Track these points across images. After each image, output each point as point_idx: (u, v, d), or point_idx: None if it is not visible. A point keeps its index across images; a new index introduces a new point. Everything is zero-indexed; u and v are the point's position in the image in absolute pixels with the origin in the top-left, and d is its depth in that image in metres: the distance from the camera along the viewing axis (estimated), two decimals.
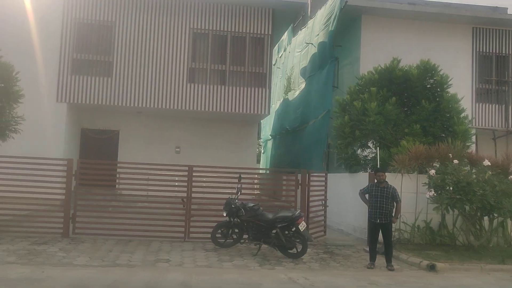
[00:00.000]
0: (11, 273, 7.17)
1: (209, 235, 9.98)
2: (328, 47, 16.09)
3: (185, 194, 10.73)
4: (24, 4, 15.23)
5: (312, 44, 17.99)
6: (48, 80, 15.32)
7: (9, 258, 8.14)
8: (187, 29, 16.33)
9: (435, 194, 9.84)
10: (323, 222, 11.97)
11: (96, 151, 17.28)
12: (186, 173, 10.74)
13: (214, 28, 16.50)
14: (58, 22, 15.58)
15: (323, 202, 12.00)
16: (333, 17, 15.84)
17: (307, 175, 11.18)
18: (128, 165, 11.42)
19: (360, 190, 9.44)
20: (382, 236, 8.97)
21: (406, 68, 12.60)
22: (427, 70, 12.47)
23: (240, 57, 16.70)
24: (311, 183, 11.34)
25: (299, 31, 21.04)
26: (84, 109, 16.92)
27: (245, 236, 9.82)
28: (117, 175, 12.05)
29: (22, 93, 11.44)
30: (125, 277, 7.25)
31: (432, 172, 10.22)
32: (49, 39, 15.43)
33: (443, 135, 12.10)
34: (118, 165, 12.67)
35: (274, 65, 21.97)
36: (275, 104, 22.94)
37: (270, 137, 23.94)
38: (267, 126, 24.62)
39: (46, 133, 14.86)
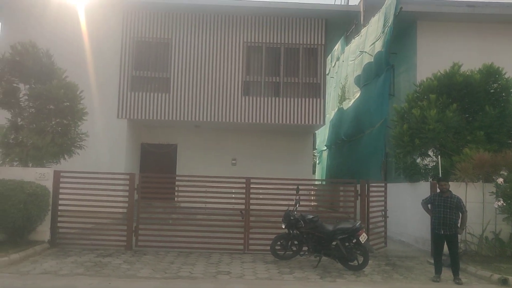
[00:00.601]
0: (80, 285, 7.46)
1: (268, 247, 9.97)
2: (384, 55, 15.80)
3: (242, 206, 10.80)
4: (85, 26, 15.99)
5: (366, 52, 17.73)
6: (109, 97, 15.96)
7: (77, 269, 8.48)
8: (241, 43, 16.57)
9: (504, 204, 9.36)
10: (383, 233, 11.67)
11: (155, 165, 17.78)
12: (243, 185, 10.83)
13: (268, 41, 16.66)
14: (117, 41, 16.24)
15: (383, 212, 11.71)
16: (388, 24, 15.57)
17: (366, 185, 10.97)
18: (187, 178, 11.63)
19: (423, 200, 9.15)
20: (447, 248, 8.63)
21: (467, 73, 12.12)
22: (491, 74, 11.94)
23: (293, 68, 16.75)
24: (371, 193, 11.11)
25: (352, 40, 20.79)
26: (143, 124, 17.49)
27: (305, 248, 9.73)
28: (176, 188, 12.30)
29: (86, 111, 12.01)
30: None
31: (500, 180, 9.75)
32: (109, 58, 16.11)
33: (510, 141, 11.52)
34: (178, 178, 12.94)
35: (327, 74, 21.82)
36: (330, 114, 22.73)
37: (325, 148, 23.70)
38: (322, 136, 24.41)
39: (108, 149, 15.44)
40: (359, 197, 10.99)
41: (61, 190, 10.71)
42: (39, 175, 10.53)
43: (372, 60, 16.88)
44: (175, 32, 16.48)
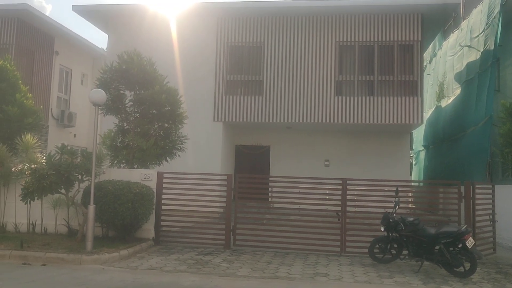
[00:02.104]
0: (184, 281, 7.78)
1: (366, 250, 9.74)
2: (490, 48, 14.77)
3: (338, 208, 10.65)
4: (181, 34, 16.73)
5: (469, 46, 16.71)
6: (205, 101, 16.55)
7: (180, 267, 8.86)
8: (333, 42, 16.39)
9: None
10: (491, 238, 10.90)
11: (249, 166, 18.14)
12: (339, 187, 10.68)
13: (361, 39, 16.32)
14: (212, 47, 16.80)
15: (491, 216, 10.93)
16: (493, 15, 14.54)
17: (472, 186, 10.32)
18: (283, 178, 11.69)
19: None
20: None
21: None
22: None
23: (388, 66, 16.23)
24: (476, 196, 10.44)
25: (451, 34, 19.69)
26: (238, 127, 17.90)
27: (405, 252, 9.36)
28: (270, 189, 12.38)
29: (186, 115, 12.53)
30: None
31: None
32: (205, 63, 16.72)
33: None
34: (273, 179, 13.07)
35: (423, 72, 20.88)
36: (427, 113, 21.69)
37: (422, 148, 22.68)
38: (419, 136, 23.40)
39: (205, 151, 16.01)
40: (463, 200, 10.37)
41: (164, 190, 11.28)
42: (144, 176, 11.17)
43: (476, 54, 15.88)
44: (267, 35, 16.70)
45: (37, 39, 18.23)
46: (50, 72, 19.01)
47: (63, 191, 10.45)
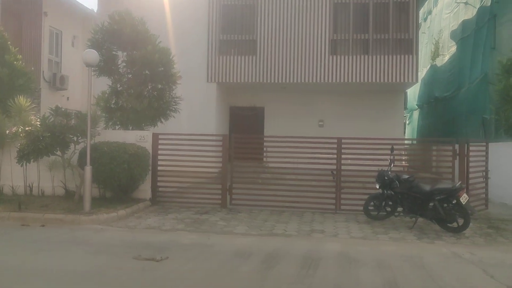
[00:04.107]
0: (183, 239, 7.89)
1: (361, 208, 9.86)
2: (486, 4, 14.57)
3: (333, 167, 10.71)
4: None
5: (465, 3, 16.48)
6: (199, 62, 16.36)
7: (178, 225, 8.97)
8: (327, 0, 16.09)
9: None
10: (483, 195, 11.06)
11: (243, 127, 18.12)
12: (334, 146, 10.71)
13: None
14: (204, 6, 16.48)
15: (484, 173, 11.06)
16: None
17: (466, 144, 10.39)
18: (278, 138, 11.69)
19: None
20: None
21: None
22: None
23: (383, 24, 16.05)
24: (470, 153, 10.52)
25: None
26: (232, 88, 17.77)
27: (399, 209, 9.50)
28: (264, 149, 12.39)
29: (179, 75, 12.39)
30: (284, 246, 7.50)
31: None
32: (197, 23, 16.43)
33: None
34: (268, 139, 13.09)
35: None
36: (421, 72, 21.61)
37: (416, 107, 22.72)
38: (412, 95, 23.39)
39: (199, 112, 15.93)
40: (457, 157, 10.46)
41: (159, 152, 11.28)
42: (139, 137, 11.15)
43: (472, 10, 15.68)
44: None
45: (24, 0, 17.72)
46: (39, 34, 18.57)
47: (58, 153, 10.43)
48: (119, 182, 10.15)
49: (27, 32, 17.78)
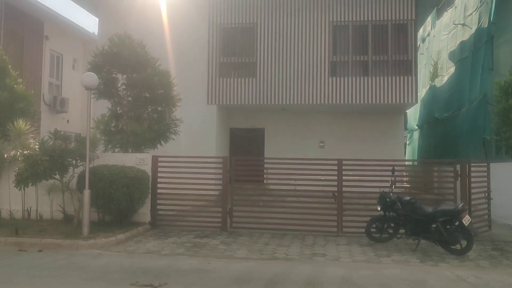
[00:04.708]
0: (182, 264, 7.75)
1: (363, 230, 9.75)
2: (483, 26, 14.67)
3: (334, 188, 10.62)
4: (172, 15, 16.45)
5: (463, 24, 16.60)
6: (199, 84, 16.37)
7: (178, 250, 8.84)
8: (326, 22, 16.23)
9: None
10: (486, 216, 10.95)
11: (244, 149, 18.03)
12: (335, 167, 10.64)
13: (354, 19, 16.17)
14: (204, 29, 16.57)
15: (486, 194, 10.97)
16: None
17: (468, 165, 10.32)
18: (278, 160, 11.63)
19: None
20: None
21: None
22: None
23: (382, 46, 16.13)
24: (472, 174, 10.45)
25: (444, 13, 19.59)
26: (232, 109, 17.77)
27: (402, 231, 9.38)
28: (265, 171, 12.31)
29: (179, 97, 12.40)
30: (285, 270, 7.37)
31: None
32: (197, 45, 16.50)
33: None
34: (269, 160, 13.03)
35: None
36: (421, 93, 21.68)
37: (416, 128, 22.72)
38: (412, 116, 23.41)
39: (199, 134, 15.87)
40: (459, 178, 10.38)
41: (159, 174, 11.19)
42: (139, 160, 11.08)
43: (470, 32, 15.79)
44: (260, 16, 16.48)
45: (26, 24, 17.88)
46: (40, 57, 18.71)
47: (57, 176, 10.36)
48: (119, 206, 10.05)
49: (28, 56, 17.89)
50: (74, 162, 10.31)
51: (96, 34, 19.41)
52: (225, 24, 16.62)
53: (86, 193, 9.50)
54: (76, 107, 20.76)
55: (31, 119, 12.88)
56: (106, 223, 10.56)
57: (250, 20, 16.54)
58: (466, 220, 8.43)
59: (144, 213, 11.04)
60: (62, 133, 10.68)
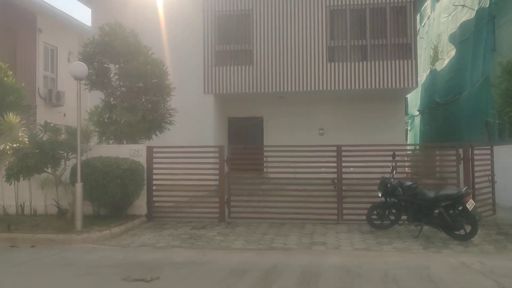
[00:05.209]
0: (177, 256, 7.51)
1: (364, 217, 9.49)
2: (484, 6, 14.29)
3: (333, 175, 10.37)
4: (166, 4, 16.13)
5: (463, 5, 16.22)
6: (195, 73, 16.08)
7: (174, 242, 8.60)
8: (323, 7, 15.86)
9: None
10: (491, 200, 10.68)
11: (242, 138, 17.79)
12: (334, 154, 10.38)
13: (351, 3, 15.79)
14: (199, 17, 16.23)
15: (490, 177, 10.69)
16: None
17: (470, 148, 10.04)
18: (276, 148, 11.38)
19: None
20: None
21: None
22: None
23: (381, 29, 15.77)
24: (475, 157, 10.17)
25: None
26: (229, 98, 17.47)
27: (403, 217, 9.13)
28: (264, 159, 12.07)
29: (174, 86, 12.12)
30: (283, 261, 7.13)
31: None
32: (192, 34, 16.18)
33: None
34: (267, 148, 12.76)
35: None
36: (421, 77, 21.33)
37: (418, 113, 22.40)
38: (413, 101, 23.07)
39: (196, 124, 15.61)
40: (462, 162, 10.11)
41: (154, 165, 10.95)
42: (133, 151, 10.84)
43: (471, 13, 15.42)
44: (255, 2, 16.12)
45: (18, 17, 17.55)
46: (34, 51, 18.39)
47: (49, 170, 10.11)
48: (113, 198, 9.82)
49: (21, 49, 17.59)
50: (65, 154, 10.05)
51: (90, 25, 19.11)
52: (220, 11, 16.28)
53: (78, 186, 9.26)
54: (73, 100, 20.28)
55: (26, 113, 12.62)
56: (101, 217, 10.32)
57: (245, 6, 16.18)
58: (470, 204, 8.17)
59: (140, 205, 10.81)
60: (52, 125, 10.40)
